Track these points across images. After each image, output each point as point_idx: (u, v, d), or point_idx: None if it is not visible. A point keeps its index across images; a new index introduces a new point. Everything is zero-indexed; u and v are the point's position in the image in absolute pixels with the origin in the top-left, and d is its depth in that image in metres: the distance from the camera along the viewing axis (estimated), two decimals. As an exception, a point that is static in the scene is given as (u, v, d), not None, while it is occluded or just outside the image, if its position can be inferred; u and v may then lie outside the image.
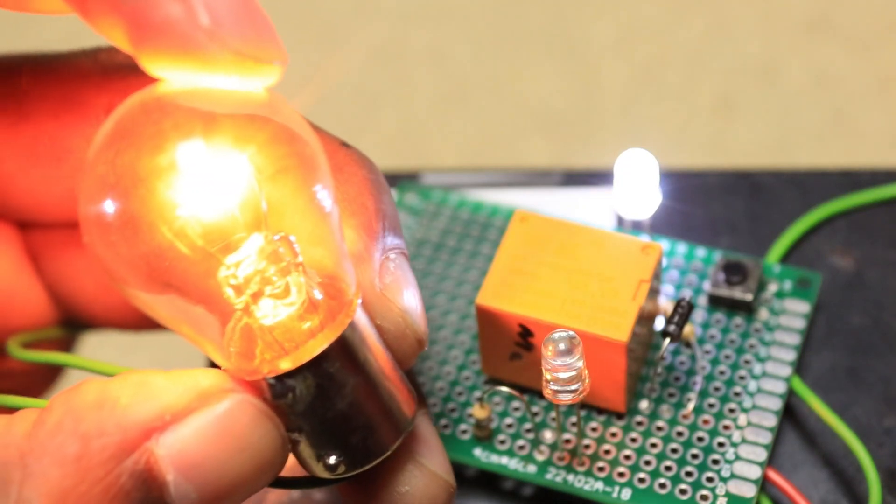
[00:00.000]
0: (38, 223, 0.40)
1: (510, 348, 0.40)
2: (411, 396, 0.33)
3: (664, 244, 0.44)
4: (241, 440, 0.30)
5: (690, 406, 0.41)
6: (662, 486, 0.39)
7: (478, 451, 0.40)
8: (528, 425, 0.41)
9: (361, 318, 0.32)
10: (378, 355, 0.32)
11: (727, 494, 0.38)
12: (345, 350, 0.31)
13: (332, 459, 0.32)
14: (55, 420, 0.29)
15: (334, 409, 0.31)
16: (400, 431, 0.33)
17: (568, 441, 0.40)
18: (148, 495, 0.29)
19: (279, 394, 0.31)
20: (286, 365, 0.30)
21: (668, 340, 0.39)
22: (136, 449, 0.29)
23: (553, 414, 0.41)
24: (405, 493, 0.34)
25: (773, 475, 0.39)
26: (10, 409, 0.30)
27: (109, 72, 0.36)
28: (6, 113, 0.36)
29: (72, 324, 0.42)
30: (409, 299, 0.33)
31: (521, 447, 0.40)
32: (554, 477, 0.39)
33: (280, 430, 0.31)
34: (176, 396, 0.30)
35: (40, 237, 0.40)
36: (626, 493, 0.39)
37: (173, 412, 0.29)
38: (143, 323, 0.41)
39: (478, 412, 0.40)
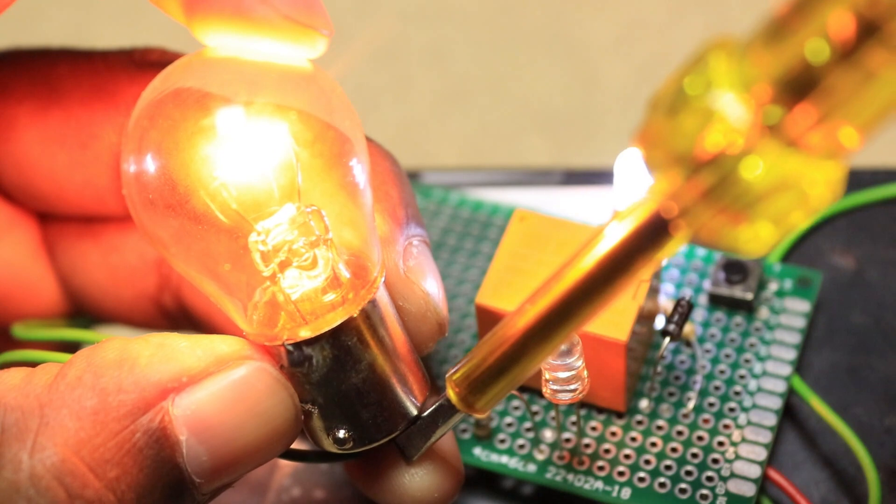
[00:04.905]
0: (57, 213, 0.40)
1: (510, 347, 0.40)
2: (425, 381, 0.34)
3: (664, 243, 0.44)
4: (256, 406, 0.30)
5: (690, 405, 0.40)
6: (662, 485, 0.39)
7: (478, 451, 0.40)
8: (527, 424, 0.41)
9: (383, 298, 0.32)
10: (396, 336, 0.33)
11: (727, 494, 0.38)
12: (364, 325, 0.32)
13: (342, 433, 0.32)
14: (76, 374, 0.29)
15: (348, 382, 0.32)
16: (410, 413, 0.33)
17: (568, 440, 0.40)
18: (160, 453, 0.29)
19: (296, 361, 0.31)
20: (306, 333, 0.31)
21: (668, 339, 0.39)
22: (152, 407, 0.29)
23: (553, 413, 0.41)
24: (412, 476, 0.34)
25: (774, 474, 0.39)
26: (33, 365, 0.31)
27: (142, 68, 0.37)
28: (38, 97, 0.37)
29: (81, 317, 0.42)
30: (432, 284, 0.34)
31: (521, 446, 0.40)
32: (554, 476, 0.39)
33: (294, 400, 0.31)
34: (195, 359, 0.30)
35: (57, 229, 0.41)
36: (626, 493, 0.39)
37: (191, 374, 0.30)
38: (154, 320, 0.41)
39: (478, 411, 0.40)
